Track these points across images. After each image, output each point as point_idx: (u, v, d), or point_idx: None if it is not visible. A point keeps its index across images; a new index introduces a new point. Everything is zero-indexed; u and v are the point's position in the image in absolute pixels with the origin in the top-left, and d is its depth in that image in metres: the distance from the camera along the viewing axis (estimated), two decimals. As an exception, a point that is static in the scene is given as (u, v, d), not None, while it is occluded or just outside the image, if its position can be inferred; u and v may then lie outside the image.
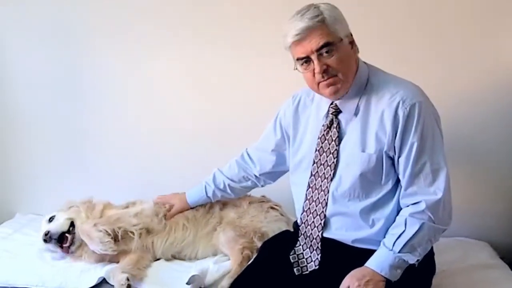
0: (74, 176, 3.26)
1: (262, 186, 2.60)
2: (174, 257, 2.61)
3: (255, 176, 2.53)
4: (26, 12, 3.09)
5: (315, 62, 1.93)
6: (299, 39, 1.92)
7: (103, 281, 2.38)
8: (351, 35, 2.01)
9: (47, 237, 2.50)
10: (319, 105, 2.16)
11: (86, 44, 3.10)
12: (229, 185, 2.59)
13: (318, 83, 1.98)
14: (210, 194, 2.62)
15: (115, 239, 2.48)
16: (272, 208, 2.70)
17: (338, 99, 2.05)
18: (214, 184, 2.61)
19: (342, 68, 1.95)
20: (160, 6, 2.99)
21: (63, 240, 2.52)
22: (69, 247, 2.52)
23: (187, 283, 2.30)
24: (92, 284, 2.38)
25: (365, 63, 2.09)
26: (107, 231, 2.44)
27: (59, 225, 2.55)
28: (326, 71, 1.95)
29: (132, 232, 2.52)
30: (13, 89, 3.20)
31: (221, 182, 2.60)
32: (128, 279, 2.29)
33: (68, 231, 2.55)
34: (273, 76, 2.88)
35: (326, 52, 1.92)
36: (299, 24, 1.91)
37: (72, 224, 2.57)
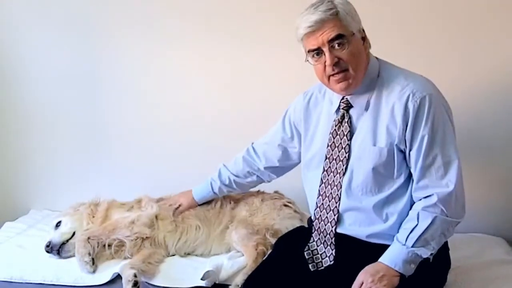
0: (89, 172, 3.29)
1: (268, 181, 2.62)
2: (188, 254, 2.61)
3: (260, 170, 2.55)
4: (43, 5, 3.12)
5: (327, 54, 1.94)
6: (312, 30, 1.93)
7: (118, 276, 2.39)
8: (363, 30, 2.01)
9: (49, 248, 2.53)
10: (331, 101, 2.16)
11: (104, 39, 3.13)
12: (234, 180, 2.61)
13: (329, 77, 1.99)
14: (216, 190, 2.64)
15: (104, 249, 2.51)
16: (285, 205, 2.70)
17: (349, 94, 2.06)
18: (219, 180, 2.62)
19: (353, 62, 1.96)
20: (180, 2, 3.02)
21: (64, 249, 2.55)
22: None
23: (201, 279, 2.30)
24: (107, 280, 2.39)
25: (376, 58, 2.09)
26: (90, 254, 2.43)
27: (60, 235, 2.57)
28: (337, 64, 1.95)
29: (126, 242, 2.52)
30: (30, 85, 3.23)
31: (226, 178, 2.61)
32: (135, 275, 2.29)
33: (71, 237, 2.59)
34: (288, 71, 2.88)
35: (338, 45, 1.93)
36: (312, 16, 1.92)
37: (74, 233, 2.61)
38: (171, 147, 3.20)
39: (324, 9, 1.92)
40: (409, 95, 1.93)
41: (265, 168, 2.53)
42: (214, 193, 2.65)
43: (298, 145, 2.36)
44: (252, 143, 2.58)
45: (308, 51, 1.99)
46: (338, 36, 1.92)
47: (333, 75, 1.98)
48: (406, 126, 1.93)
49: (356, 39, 1.96)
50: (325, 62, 1.95)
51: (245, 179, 2.60)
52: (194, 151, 3.17)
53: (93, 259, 2.43)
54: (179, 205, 2.69)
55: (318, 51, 1.96)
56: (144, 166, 3.23)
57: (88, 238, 2.48)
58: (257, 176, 2.58)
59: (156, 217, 2.62)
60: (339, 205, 2.09)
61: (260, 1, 2.94)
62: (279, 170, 2.55)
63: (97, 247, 2.47)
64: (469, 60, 2.80)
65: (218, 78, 3.09)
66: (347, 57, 1.94)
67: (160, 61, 3.12)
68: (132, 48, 3.11)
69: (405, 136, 1.95)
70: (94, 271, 2.42)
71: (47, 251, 2.53)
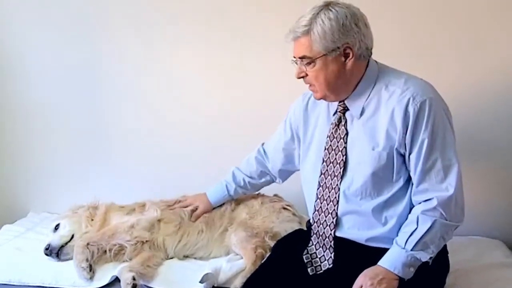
0: (88, 174, 3.28)
1: (279, 182, 2.62)
2: (187, 257, 2.61)
3: (270, 171, 2.56)
4: (43, 5, 3.12)
5: (296, 66, 2.02)
6: (291, 41, 2.00)
7: (116, 279, 2.39)
8: (349, 46, 1.96)
9: (48, 251, 2.53)
10: (329, 103, 2.17)
11: (104, 39, 3.12)
12: (249, 182, 2.63)
13: None
14: (232, 193, 2.66)
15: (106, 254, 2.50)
16: (284, 208, 2.70)
17: (345, 98, 2.07)
18: (234, 182, 2.64)
19: (317, 81, 2.01)
20: (180, 4, 3.02)
21: (63, 252, 2.55)
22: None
23: (200, 282, 2.30)
24: (105, 283, 2.39)
25: (375, 61, 2.09)
26: (87, 260, 2.41)
27: (59, 238, 2.57)
28: (303, 78, 2.04)
29: (126, 247, 2.51)
30: (30, 84, 3.21)
31: (241, 180, 2.63)
32: (134, 278, 2.29)
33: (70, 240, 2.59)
34: (288, 72, 2.86)
35: (306, 62, 1.98)
36: (290, 30, 1.99)
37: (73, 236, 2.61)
38: (171, 148, 3.19)
39: (303, 23, 1.95)
40: (409, 99, 1.93)
41: (273, 170, 2.55)
42: (230, 195, 2.67)
43: (298, 148, 2.36)
44: (263, 144, 2.60)
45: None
46: (303, 57, 1.98)
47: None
48: (406, 130, 1.93)
49: (328, 59, 1.96)
50: None
51: (259, 180, 2.62)
52: (194, 152, 3.17)
53: (90, 265, 2.41)
54: (195, 208, 2.68)
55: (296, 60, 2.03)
56: (144, 168, 3.22)
57: (87, 244, 2.46)
58: (270, 176, 2.60)
59: (159, 220, 2.62)
60: (337, 208, 2.09)
61: (260, 3, 2.95)
62: (283, 174, 2.56)
63: (97, 252, 2.46)
64: (469, 60, 2.81)
65: (218, 79, 3.09)
66: (311, 76, 2.01)
67: (160, 62, 3.11)
68: (132, 49, 3.10)
69: (405, 140, 1.94)
70: (91, 278, 2.40)
71: (46, 254, 2.52)
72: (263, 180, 2.63)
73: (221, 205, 2.71)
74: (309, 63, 1.98)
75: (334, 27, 1.93)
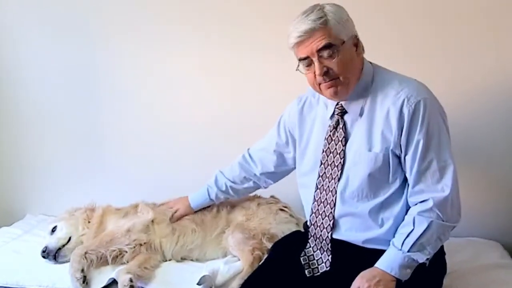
0: (85, 177, 3.28)
1: (265, 187, 2.62)
2: (184, 259, 2.61)
3: (256, 175, 2.55)
4: (40, 8, 3.12)
5: (316, 64, 1.95)
6: (301, 40, 1.94)
7: (113, 282, 2.39)
8: (356, 36, 2.00)
9: (45, 254, 2.53)
10: (326, 105, 2.17)
11: (102, 42, 3.12)
12: (231, 186, 2.61)
13: (319, 84, 2.00)
14: (213, 197, 2.64)
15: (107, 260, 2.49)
16: (281, 209, 2.70)
17: (344, 100, 2.06)
18: (216, 186, 2.62)
19: (343, 71, 1.96)
20: (177, 5, 3.02)
21: (60, 254, 2.56)
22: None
23: (197, 284, 2.31)
24: (102, 285, 2.39)
25: (370, 62, 2.09)
26: (83, 270, 2.40)
27: (57, 241, 2.58)
28: (327, 74, 1.96)
29: (126, 251, 2.51)
30: (26, 88, 3.22)
31: (223, 184, 2.61)
32: (131, 280, 2.30)
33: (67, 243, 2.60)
34: (286, 76, 2.87)
35: (327, 54, 1.93)
36: (301, 26, 1.93)
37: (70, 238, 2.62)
38: (169, 150, 3.19)
39: (314, 17, 1.92)
40: (404, 100, 1.93)
41: (261, 174, 2.53)
42: (211, 199, 2.65)
43: (293, 150, 2.36)
44: (248, 149, 2.58)
45: (299, 60, 2.00)
46: (327, 46, 1.92)
47: (323, 83, 1.99)
48: (401, 131, 1.94)
49: (347, 47, 1.96)
50: (315, 71, 1.96)
51: (241, 185, 2.60)
52: (192, 154, 3.17)
53: (84, 276, 2.40)
54: (176, 211, 2.68)
55: (308, 60, 1.97)
56: (141, 170, 3.22)
57: (85, 253, 2.46)
58: (254, 182, 2.58)
59: (152, 221, 2.62)
60: (334, 211, 2.09)
61: (257, 7, 2.94)
62: (275, 176, 2.55)
63: (97, 260, 2.46)
64: (465, 62, 2.80)
65: (217, 81, 3.08)
66: (337, 66, 1.95)
67: (157, 63, 3.11)
68: (130, 53, 3.10)
69: (400, 141, 1.95)
70: None
71: (44, 257, 2.53)
72: (245, 185, 2.61)
73: (212, 206, 2.70)
74: (331, 55, 1.93)
75: (344, 16, 1.96)
